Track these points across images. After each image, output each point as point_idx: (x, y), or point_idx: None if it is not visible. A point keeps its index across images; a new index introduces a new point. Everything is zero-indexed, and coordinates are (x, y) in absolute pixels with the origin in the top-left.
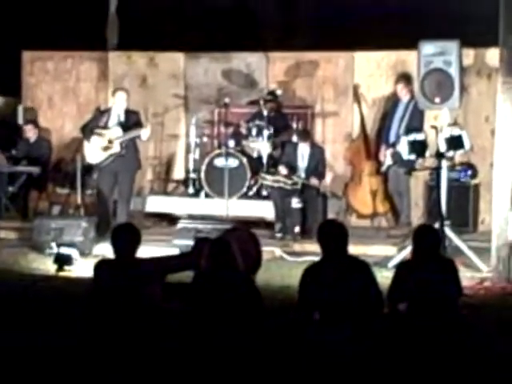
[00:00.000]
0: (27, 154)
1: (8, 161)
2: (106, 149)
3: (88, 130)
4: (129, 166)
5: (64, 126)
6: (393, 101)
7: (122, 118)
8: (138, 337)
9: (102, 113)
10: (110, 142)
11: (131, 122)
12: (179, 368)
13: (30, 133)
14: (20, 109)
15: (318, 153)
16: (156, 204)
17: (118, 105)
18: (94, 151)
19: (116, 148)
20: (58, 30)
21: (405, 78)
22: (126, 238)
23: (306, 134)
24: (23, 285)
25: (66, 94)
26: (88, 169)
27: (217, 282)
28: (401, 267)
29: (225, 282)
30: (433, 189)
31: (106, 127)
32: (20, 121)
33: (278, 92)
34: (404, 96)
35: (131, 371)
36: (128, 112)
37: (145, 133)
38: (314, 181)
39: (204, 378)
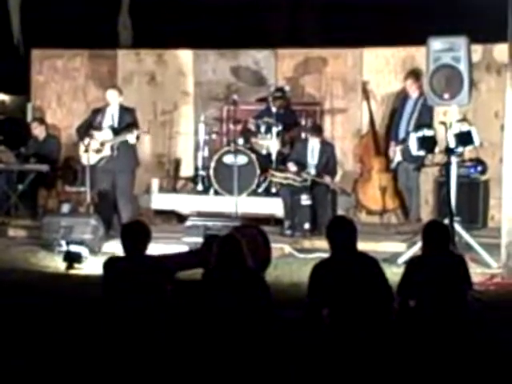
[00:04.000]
0: (36, 152)
1: (17, 159)
2: (98, 151)
3: (82, 130)
4: (124, 166)
5: (73, 125)
6: (402, 97)
7: (116, 118)
8: (148, 334)
9: (96, 113)
10: (102, 144)
11: (125, 121)
12: (188, 365)
13: (37, 130)
14: (29, 107)
15: (328, 149)
16: (165, 201)
17: (111, 104)
18: (88, 153)
19: (107, 151)
20: (67, 28)
21: (414, 74)
22: (136, 235)
23: (319, 129)
24: (33, 283)
25: (74, 93)
26: None
27: (226, 279)
28: (411, 263)
29: (234, 280)
30: (442, 185)
31: (99, 128)
32: (29, 119)
33: (286, 88)
34: (413, 92)
35: (140, 369)
36: (122, 110)
37: (132, 137)
38: (327, 179)
39: (213, 376)
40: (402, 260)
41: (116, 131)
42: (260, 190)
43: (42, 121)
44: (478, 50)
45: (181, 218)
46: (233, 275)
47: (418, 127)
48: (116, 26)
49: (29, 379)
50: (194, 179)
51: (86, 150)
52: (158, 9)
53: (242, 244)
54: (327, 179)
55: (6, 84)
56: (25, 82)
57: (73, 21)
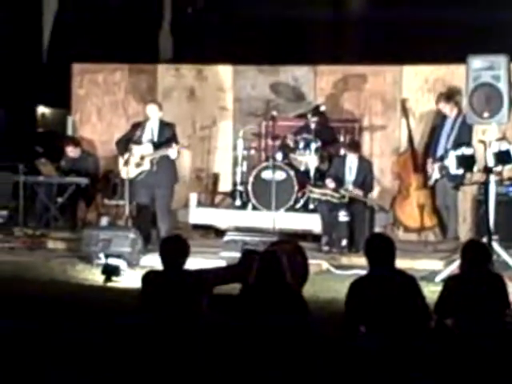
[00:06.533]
0: (72, 169)
1: (57, 172)
2: (137, 165)
3: (122, 144)
4: (163, 182)
5: (113, 139)
6: (441, 115)
7: (156, 133)
8: (185, 347)
9: (136, 127)
10: (142, 158)
11: (165, 136)
12: (225, 378)
13: (72, 153)
14: (69, 121)
15: (365, 166)
16: (203, 216)
17: (150, 118)
18: (127, 167)
19: (146, 165)
20: (109, 42)
21: (444, 96)
22: (175, 249)
23: (356, 146)
24: (71, 295)
25: (115, 107)
26: None
27: (265, 295)
28: (449, 281)
29: (273, 296)
30: (481, 203)
31: (139, 142)
32: (69, 133)
33: (322, 108)
34: (450, 112)
35: (177, 380)
36: (162, 125)
37: (173, 152)
38: (356, 191)
39: None
40: (439, 278)
41: (156, 146)
42: (298, 206)
43: (76, 143)
44: None
45: (219, 232)
46: (272, 291)
47: (457, 145)
48: (157, 41)
49: None
50: (232, 194)
51: (126, 164)
52: (198, 24)
53: (282, 260)
54: (358, 192)
55: (46, 97)
56: (61, 93)
57: (114, 35)
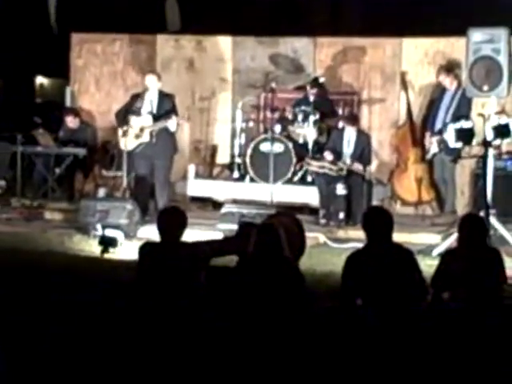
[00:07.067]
0: (70, 139)
1: (55, 142)
2: (137, 137)
3: (121, 116)
4: (162, 153)
5: (111, 109)
6: (441, 88)
7: (155, 104)
8: (182, 319)
9: (135, 98)
10: (141, 130)
11: (164, 107)
12: (222, 351)
13: (71, 123)
14: (68, 91)
15: (364, 139)
16: (201, 188)
17: (149, 89)
18: (126, 138)
19: (146, 137)
20: (108, 12)
21: (444, 68)
22: (172, 221)
23: (354, 118)
24: (68, 266)
25: (113, 77)
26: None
27: (262, 267)
28: (446, 255)
29: (270, 268)
30: (479, 177)
31: (138, 113)
32: (68, 103)
33: (321, 80)
34: (450, 85)
35: (174, 352)
36: (161, 96)
37: (172, 124)
38: (357, 165)
39: (246, 362)
40: (436, 252)
41: (155, 117)
42: (296, 179)
43: (75, 113)
44: None
45: (216, 204)
46: (269, 264)
47: (456, 119)
48: (163, 11)
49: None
50: (230, 166)
51: (124, 135)
52: None
53: (280, 233)
54: (358, 166)
55: (44, 67)
56: (60, 63)
57: (119, 4)
